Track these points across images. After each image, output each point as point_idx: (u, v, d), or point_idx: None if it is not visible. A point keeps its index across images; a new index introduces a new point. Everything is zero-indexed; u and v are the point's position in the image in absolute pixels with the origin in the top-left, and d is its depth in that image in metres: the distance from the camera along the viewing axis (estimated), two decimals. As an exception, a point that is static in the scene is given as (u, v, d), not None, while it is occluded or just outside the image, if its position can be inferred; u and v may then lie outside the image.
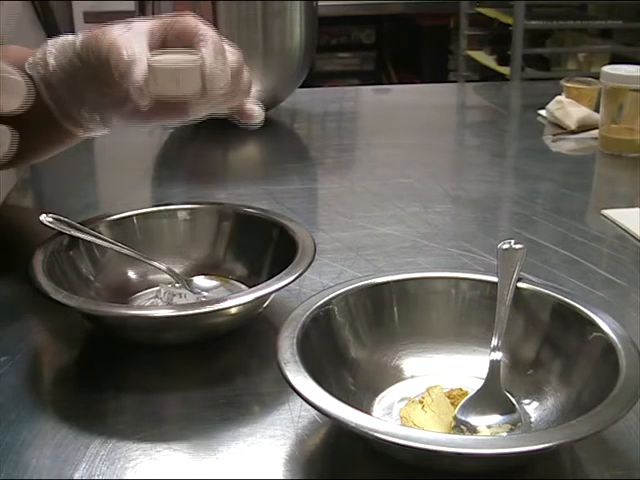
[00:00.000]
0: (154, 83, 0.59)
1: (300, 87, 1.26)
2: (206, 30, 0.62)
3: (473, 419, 0.49)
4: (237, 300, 0.56)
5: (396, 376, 0.54)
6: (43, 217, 0.64)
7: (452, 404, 0.50)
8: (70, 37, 0.65)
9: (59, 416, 0.52)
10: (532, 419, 0.50)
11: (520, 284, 0.55)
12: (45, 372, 0.59)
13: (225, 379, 0.56)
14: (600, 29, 3.09)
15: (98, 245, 0.65)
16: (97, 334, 0.61)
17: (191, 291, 0.64)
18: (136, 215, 0.69)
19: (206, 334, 0.59)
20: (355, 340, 0.54)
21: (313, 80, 1.38)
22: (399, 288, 0.56)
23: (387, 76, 3.51)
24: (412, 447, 0.41)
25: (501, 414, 0.49)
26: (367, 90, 1.74)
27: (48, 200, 0.98)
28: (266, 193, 0.91)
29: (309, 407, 0.44)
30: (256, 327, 0.62)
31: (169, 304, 0.62)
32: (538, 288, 0.55)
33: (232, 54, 0.63)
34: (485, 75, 3.15)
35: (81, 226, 0.65)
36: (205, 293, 0.65)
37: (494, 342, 0.52)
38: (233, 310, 0.57)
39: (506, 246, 0.59)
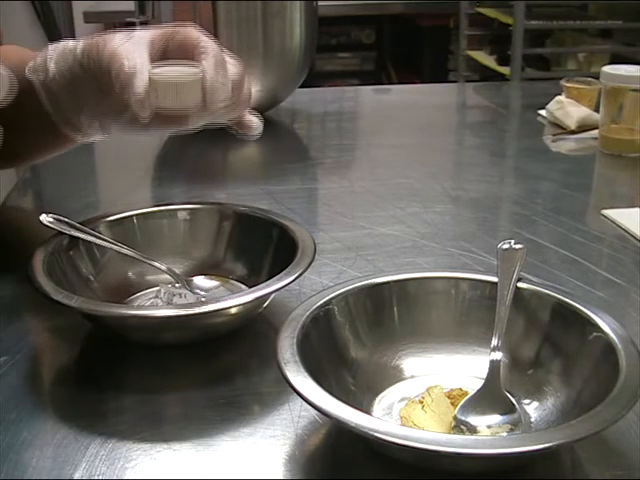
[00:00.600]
0: (155, 96, 0.59)
1: (300, 87, 1.26)
2: (207, 42, 0.62)
3: (473, 419, 0.49)
4: (237, 300, 0.56)
5: (396, 376, 0.54)
6: (43, 217, 0.64)
7: (452, 404, 0.50)
8: (71, 43, 0.65)
9: (59, 416, 0.52)
10: (532, 419, 0.50)
11: (520, 284, 0.55)
12: (45, 372, 0.59)
13: (225, 379, 0.56)
14: (600, 29, 3.09)
15: (98, 245, 0.65)
16: (97, 334, 0.61)
17: (191, 291, 0.64)
18: (136, 215, 0.69)
19: (206, 334, 0.59)
20: (355, 340, 0.54)
21: (313, 80, 1.38)
22: (399, 288, 0.56)
23: (387, 76, 3.51)
24: (412, 447, 0.41)
25: (501, 414, 0.49)
26: (367, 90, 1.74)
27: (48, 200, 0.98)
28: (266, 193, 0.91)
29: (309, 407, 0.44)
30: (256, 327, 0.62)
31: (169, 304, 0.62)
32: (538, 288, 0.55)
33: (233, 66, 0.63)
34: (485, 75, 3.15)
35: (81, 226, 0.65)
36: (204, 293, 0.65)
37: (494, 342, 0.52)
38: (233, 310, 0.57)
39: (506, 246, 0.59)
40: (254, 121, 0.66)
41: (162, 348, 0.59)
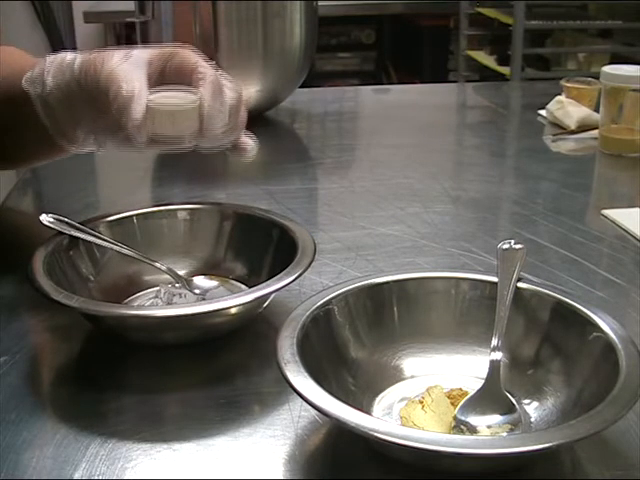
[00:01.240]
0: (151, 122, 0.59)
1: (300, 87, 1.26)
2: (205, 67, 0.62)
3: (473, 419, 0.49)
4: (237, 300, 0.56)
5: (396, 376, 0.54)
6: (43, 217, 0.64)
7: (452, 404, 0.50)
8: (69, 56, 0.65)
9: (59, 416, 0.52)
10: (532, 419, 0.50)
11: (520, 284, 0.55)
12: (45, 372, 0.59)
13: (225, 379, 0.56)
14: (600, 29, 3.09)
15: (98, 245, 0.65)
16: (97, 334, 0.61)
17: (191, 291, 0.64)
18: (136, 215, 0.69)
19: (206, 334, 0.59)
20: (355, 340, 0.54)
21: (313, 80, 1.38)
22: (399, 288, 0.56)
23: (387, 76, 3.51)
24: (412, 447, 0.41)
25: (501, 414, 0.49)
26: (367, 90, 1.74)
27: (48, 200, 0.98)
28: (266, 193, 0.91)
29: (309, 407, 0.44)
30: (256, 327, 0.62)
31: (169, 304, 0.62)
32: (538, 288, 0.55)
33: (231, 91, 0.63)
34: (485, 75, 3.15)
35: (81, 226, 0.65)
36: (203, 293, 0.65)
37: (494, 342, 0.52)
38: (233, 310, 0.57)
39: (506, 246, 0.59)
40: (249, 143, 0.66)
41: (162, 348, 0.59)
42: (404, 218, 0.85)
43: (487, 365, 0.52)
